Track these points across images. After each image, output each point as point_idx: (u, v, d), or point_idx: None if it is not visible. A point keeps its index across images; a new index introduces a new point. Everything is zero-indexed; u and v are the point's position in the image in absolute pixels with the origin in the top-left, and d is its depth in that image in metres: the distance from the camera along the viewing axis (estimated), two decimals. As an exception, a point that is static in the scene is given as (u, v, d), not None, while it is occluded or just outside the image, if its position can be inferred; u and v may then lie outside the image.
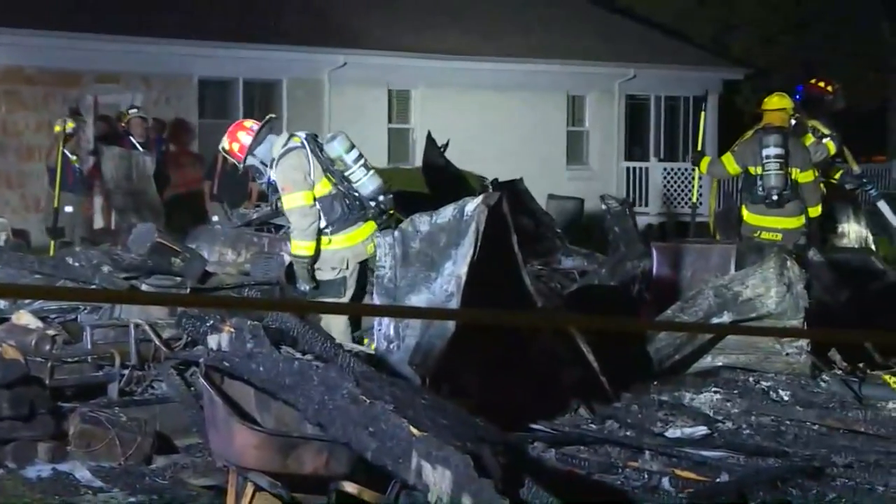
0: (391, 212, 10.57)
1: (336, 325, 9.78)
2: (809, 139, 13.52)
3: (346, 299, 10.25)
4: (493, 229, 8.78)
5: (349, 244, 10.27)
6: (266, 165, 10.38)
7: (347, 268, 10.29)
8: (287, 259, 11.20)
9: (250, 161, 10.43)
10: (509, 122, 25.94)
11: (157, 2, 22.45)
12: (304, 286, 10.29)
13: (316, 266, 10.27)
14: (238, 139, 10.46)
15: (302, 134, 10.51)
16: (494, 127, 25.41)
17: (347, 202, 10.26)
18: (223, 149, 10.69)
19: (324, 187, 10.24)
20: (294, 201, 10.19)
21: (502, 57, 26.06)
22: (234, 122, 10.95)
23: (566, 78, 27.36)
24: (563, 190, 23.54)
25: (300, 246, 10.21)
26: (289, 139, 10.41)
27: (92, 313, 10.21)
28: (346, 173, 10.34)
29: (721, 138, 26.96)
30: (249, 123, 10.68)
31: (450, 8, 26.63)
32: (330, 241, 10.24)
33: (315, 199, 10.21)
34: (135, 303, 9.67)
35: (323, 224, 10.21)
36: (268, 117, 10.93)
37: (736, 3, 35.82)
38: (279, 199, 10.40)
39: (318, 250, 10.24)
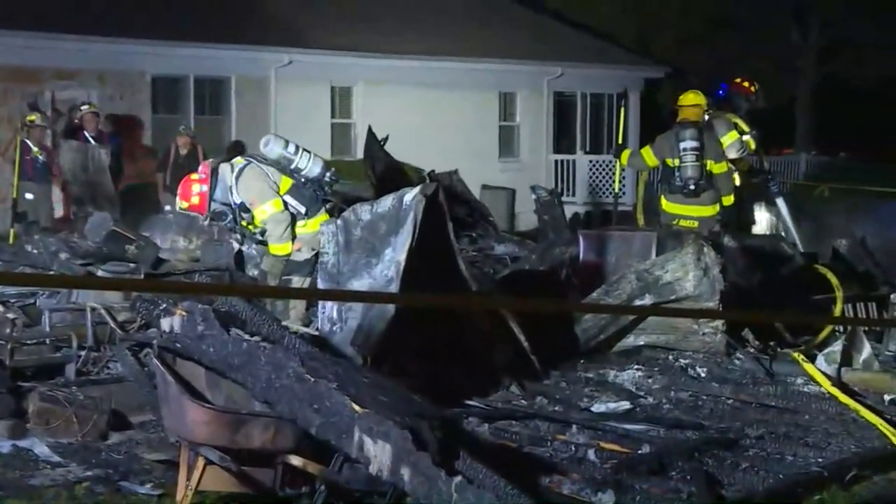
0: (333, 189, 10.70)
1: (298, 303, 10.11)
2: (735, 136, 13.58)
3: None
4: (431, 218, 8.78)
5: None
6: (227, 205, 10.35)
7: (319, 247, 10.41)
8: (236, 246, 11.16)
9: (213, 207, 10.36)
10: (445, 117, 25.91)
11: (112, 3, 22.23)
12: (273, 281, 10.31)
13: (296, 248, 10.33)
14: (193, 192, 10.35)
15: (238, 158, 10.54)
16: (431, 121, 25.38)
17: (311, 187, 10.36)
18: (181, 209, 10.57)
19: (286, 183, 10.30)
20: (264, 212, 10.25)
21: (438, 56, 26.03)
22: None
23: (498, 76, 27.36)
24: (496, 181, 23.59)
25: (279, 248, 10.37)
26: (233, 166, 10.39)
27: (50, 297, 10.12)
28: (292, 166, 10.36)
29: (642, 132, 27.10)
30: (196, 176, 10.55)
31: (388, 10, 26.55)
32: (305, 224, 10.31)
33: (284, 204, 10.25)
34: (91, 287, 9.60)
35: (303, 210, 10.28)
36: (211, 161, 10.84)
37: (657, 7, 36.00)
38: (249, 220, 10.37)
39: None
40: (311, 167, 10.42)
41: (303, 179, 10.39)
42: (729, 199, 13.22)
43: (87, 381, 8.75)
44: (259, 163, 10.33)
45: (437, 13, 27.44)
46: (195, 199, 10.32)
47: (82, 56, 21.50)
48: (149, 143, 22.20)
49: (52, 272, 11.20)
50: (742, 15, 36.40)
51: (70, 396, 8.05)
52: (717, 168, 13.03)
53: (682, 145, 12.89)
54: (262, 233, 10.40)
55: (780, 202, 15.22)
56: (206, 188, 10.31)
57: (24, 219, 16.24)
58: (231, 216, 10.40)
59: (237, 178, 10.26)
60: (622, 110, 16.57)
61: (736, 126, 13.71)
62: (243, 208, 10.32)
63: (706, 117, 13.39)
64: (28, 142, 16.72)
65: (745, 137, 13.71)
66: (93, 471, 7.30)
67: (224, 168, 10.43)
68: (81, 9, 21.58)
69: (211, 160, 11.18)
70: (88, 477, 7.17)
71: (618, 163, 14.62)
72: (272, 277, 10.41)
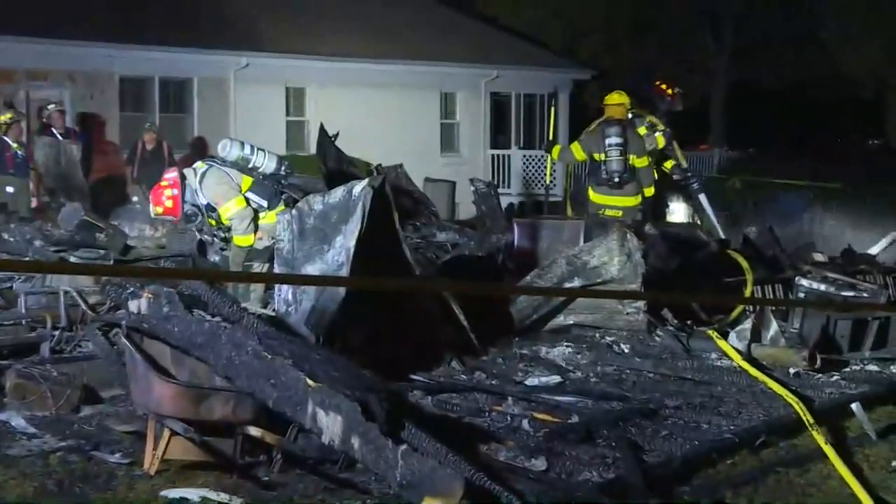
0: (288, 181, 10.66)
1: (257, 286, 10.08)
2: (643, 130, 13.64)
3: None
4: (378, 208, 8.76)
5: None
6: (196, 206, 10.27)
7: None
8: (198, 235, 11.09)
9: (185, 208, 10.25)
10: (391, 115, 25.88)
11: (83, 8, 22.00)
12: (236, 268, 10.25)
13: (258, 237, 10.27)
14: (165, 196, 10.23)
15: (199, 163, 10.43)
16: (378, 119, 25.33)
17: (269, 182, 10.32)
18: (156, 215, 10.44)
19: (246, 182, 10.24)
20: (229, 210, 10.18)
21: (385, 59, 25.99)
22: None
23: (440, 77, 27.37)
24: (438, 174, 23.55)
25: (243, 240, 10.29)
26: (195, 171, 10.29)
27: (26, 282, 10.03)
28: (250, 165, 10.32)
29: (571, 129, 27.18)
30: (165, 182, 10.42)
31: (339, 15, 26.48)
32: (266, 215, 10.26)
33: (247, 201, 10.18)
34: (64, 273, 9.50)
35: (265, 204, 10.22)
36: (177, 171, 10.71)
37: (584, 14, 36.10)
38: (216, 219, 10.28)
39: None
40: (266, 163, 10.38)
41: (261, 176, 10.34)
42: (650, 191, 13.30)
43: (61, 358, 8.66)
44: (219, 165, 10.26)
45: (384, 20, 27.39)
46: (168, 203, 10.21)
47: (55, 58, 21.28)
48: (117, 139, 22.01)
49: (27, 258, 11.09)
50: (662, 20, 36.60)
51: (45, 373, 7.97)
52: (639, 162, 13.10)
53: (607, 141, 12.94)
54: (228, 229, 10.36)
55: (701, 197, 15.31)
56: (177, 192, 10.20)
57: (5, 210, 16.09)
58: (201, 216, 10.33)
59: (200, 181, 10.19)
60: (552, 109, 16.64)
61: (654, 126, 13.77)
62: (210, 208, 10.26)
63: (629, 115, 13.46)
64: (6, 139, 16.53)
65: (656, 134, 13.77)
66: (66, 441, 7.23)
67: (188, 172, 10.36)
68: (54, 13, 21.34)
69: (174, 167, 11.06)
70: (62, 447, 7.10)
71: (549, 157, 14.65)
72: (235, 265, 10.35)
